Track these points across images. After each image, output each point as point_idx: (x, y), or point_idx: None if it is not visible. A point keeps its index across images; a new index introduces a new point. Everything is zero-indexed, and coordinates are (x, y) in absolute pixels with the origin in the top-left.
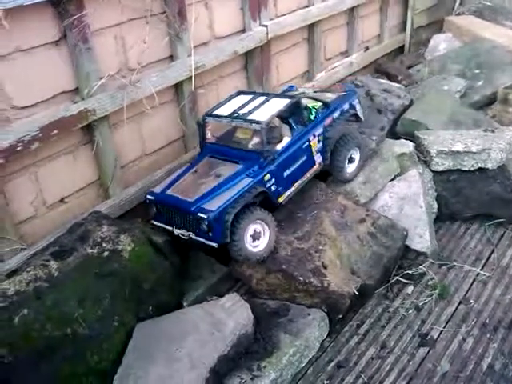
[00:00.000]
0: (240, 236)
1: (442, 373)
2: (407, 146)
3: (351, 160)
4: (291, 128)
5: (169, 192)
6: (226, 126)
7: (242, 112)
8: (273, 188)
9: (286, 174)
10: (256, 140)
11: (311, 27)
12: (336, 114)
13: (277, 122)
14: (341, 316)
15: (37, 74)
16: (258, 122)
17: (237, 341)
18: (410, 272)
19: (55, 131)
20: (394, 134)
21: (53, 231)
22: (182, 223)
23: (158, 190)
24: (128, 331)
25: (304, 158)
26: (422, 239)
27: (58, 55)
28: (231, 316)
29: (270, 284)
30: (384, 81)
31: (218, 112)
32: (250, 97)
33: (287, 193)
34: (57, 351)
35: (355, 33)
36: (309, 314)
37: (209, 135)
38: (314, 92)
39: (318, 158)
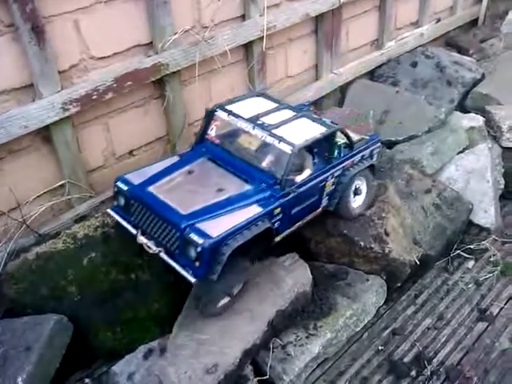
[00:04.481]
0: (218, 271)
1: (501, 349)
2: (477, 120)
3: (357, 192)
4: (313, 160)
5: (151, 190)
6: (228, 126)
7: (266, 121)
8: (276, 225)
9: (293, 211)
10: (271, 158)
11: None
12: (357, 159)
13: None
14: (399, 284)
15: (114, 26)
16: (290, 144)
17: (295, 298)
18: (471, 247)
19: (129, 83)
20: (462, 108)
21: None
22: (153, 233)
23: (134, 179)
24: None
25: (314, 198)
26: (486, 214)
27: (135, 8)
28: (290, 274)
29: (329, 247)
30: (455, 53)
31: (234, 109)
32: (272, 104)
33: (285, 233)
34: (120, 295)
35: (427, 3)
36: (367, 280)
37: (213, 132)
38: (332, 122)
39: (324, 202)
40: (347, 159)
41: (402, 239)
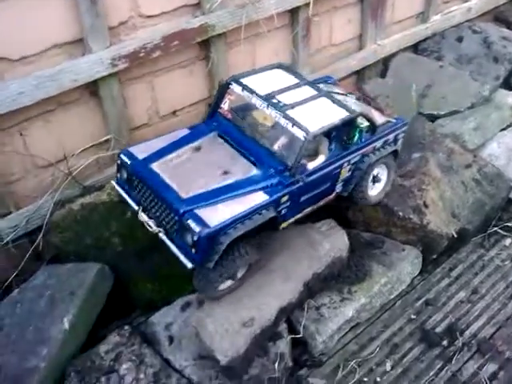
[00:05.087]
0: (214, 259)
1: None
2: None
3: (376, 179)
4: (330, 146)
5: (154, 167)
6: (241, 101)
7: (281, 100)
8: (283, 212)
9: (303, 198)
10: (283, 141)
11: None
12: (379, 144)
13: None
14: (435, 257)
15: None
16: (304, 129)
17: (331, 262)
18: (509, 224)
19: (176, 42)
20: (508, 85)
21: None
22: (154, 212)
23: (139, 153)
24: None
25: (327, 184)
26: None
27: None
28: (327, 239)
29: (366, 216)
30: (504, 29)
31: (250, 84)
32: (292, 79)
33: (292, 219)
34: (158, 252)
35: None
36: (403, 250)
37: (226, 106)
38: (357, 99)
39: (339, 188)
40: (368, 145)
41: (440, 212)
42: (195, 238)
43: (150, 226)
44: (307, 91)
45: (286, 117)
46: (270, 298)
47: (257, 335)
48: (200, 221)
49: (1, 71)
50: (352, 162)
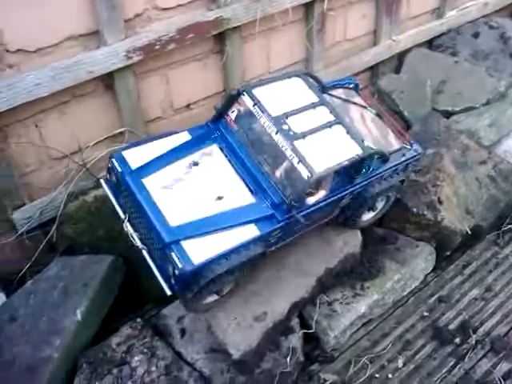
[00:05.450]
0: (195, 290)
1: None
2: None
3: (372, 208)
4: (333, 180)
5: (145, 183)
6: (250, 116)
7: (293, 125)
8: (272, 241)
9: (296, 228)
10: (284, 174)
11: None
12: (387, 173)
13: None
14: (448, 253)
15: None
16: (309, 169)
17: (344, 258)
18: None
19: (191, 35)
20: None
21: None
22: (139, 228)
23: (132, 159)
24: None
25: (324, 213)
26: None
27: None
28: (341, 235)
29: None
30: None
31: (263, 98)
32: (310, 95)
33: (280, 244)
34: None
35: None
36: (417, 246)
37: (233, 116)
38: (377, 115)
39: (336, 212)
40: (375, 175)
41: (454, 208)
42: (176, 273)
43: (134, 239)
44: (323, 115)
45: (294, 150)
46: (282, 292)
47: (269, 329)
48: (184, 255)
49: (17, 63)
50: (356, 192)
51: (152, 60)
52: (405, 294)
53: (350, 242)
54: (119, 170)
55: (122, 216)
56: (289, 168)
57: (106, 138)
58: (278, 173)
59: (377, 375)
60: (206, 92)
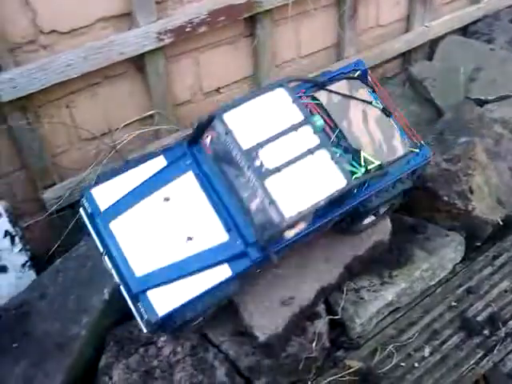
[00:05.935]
0: (169, 330)
1: None
2: None
3: (374, 213)
4: (316, 212)
5: (113, 227)
6: (223, 145)
7: (266, 158)
8: (251, 270)
9: (280, 254)
10: (257, 211)
11: None
12: (387, 186)
13: None
14: (478, 244)
15: None
16: (279, 214)
17: (372, 246)
18: None
19: (222, 18)
20: None
21: None
22: (113, 269)
23: (102, 200)
24: None
25: (311, 235)
26: None
27: None
28: None
29: (409, 200)
30: None
31: (237, 124)
32: (292, 111)
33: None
34: None
35: None
36: (447, 236)
37: (207, 141)
38: (383, 111)
39: (328, 227)
40: (372, 191)
41: (486, 198)
42: (144, 322)
43: (113, 274)
44: (305, 138)
45: (265, 190)
46: (310, 278)
47: (296, 314)
48: (149, 306)
49: (51, 44)
50: (348, 211)
51: (183, 42)
52: (433, 283)
53: (379, 230)
54: (89, 210)
55: (101, 250)
56: (260, 208)
57: (135, 121)
58: (251, 210)
59: (402, 364)
60: (235, 76)
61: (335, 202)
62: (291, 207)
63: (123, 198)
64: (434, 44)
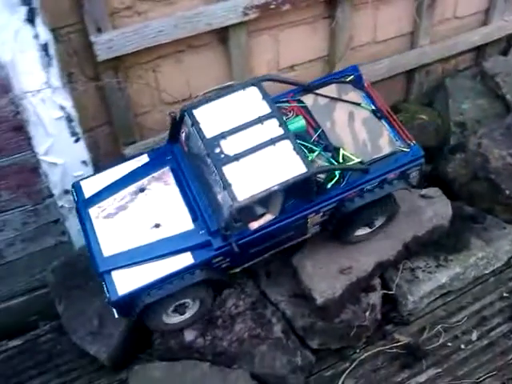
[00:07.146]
0: (135, 315)
1: None
2: None
3: (369, 225)
4: (285, 202)
5: (91, 212)
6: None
7: (228, 146)
8: (223, 265)
9: (252, 250)
10: (216, 192)
11: None
12: (370, 185)
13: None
14: None
15: None
16: (232, 198)
17: (432, 229)
18: None
19: None
20: None
21: None
22: (87, 246)
23: (87, 189)
24: None
25: (291, 232)
26: None
27: None
28: (431, 206)
29: (471, 190)
30: None
31: (204, 117)
32: (262, 107)
33: (247, 264)
34: None
35: None
36: (504, 228)
37: (182, 137)
38: (373, 112)
39: (315, 229)
40: (349, 190)
41: None
42: (106, 300)
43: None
44: (270, 130)
45: (222, 175)
46: (369, 251)
47: (352, 283)
48: (112, 286)
49: (146, 10)
50: (324, 210)
51: (266, 19)
52: (486, 272)
53: (439, 214)
54: (75, 199)
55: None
56: (218, 194)
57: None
58: (214, 199)
59: (449, 344)
60: (310, 55)
61: (301, 193)
62: (246, 191)
63: (104, 188)
64: (511, 39)
